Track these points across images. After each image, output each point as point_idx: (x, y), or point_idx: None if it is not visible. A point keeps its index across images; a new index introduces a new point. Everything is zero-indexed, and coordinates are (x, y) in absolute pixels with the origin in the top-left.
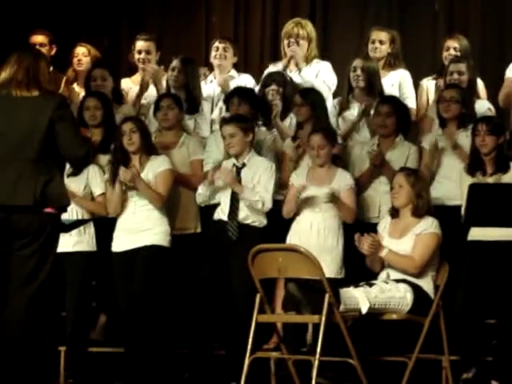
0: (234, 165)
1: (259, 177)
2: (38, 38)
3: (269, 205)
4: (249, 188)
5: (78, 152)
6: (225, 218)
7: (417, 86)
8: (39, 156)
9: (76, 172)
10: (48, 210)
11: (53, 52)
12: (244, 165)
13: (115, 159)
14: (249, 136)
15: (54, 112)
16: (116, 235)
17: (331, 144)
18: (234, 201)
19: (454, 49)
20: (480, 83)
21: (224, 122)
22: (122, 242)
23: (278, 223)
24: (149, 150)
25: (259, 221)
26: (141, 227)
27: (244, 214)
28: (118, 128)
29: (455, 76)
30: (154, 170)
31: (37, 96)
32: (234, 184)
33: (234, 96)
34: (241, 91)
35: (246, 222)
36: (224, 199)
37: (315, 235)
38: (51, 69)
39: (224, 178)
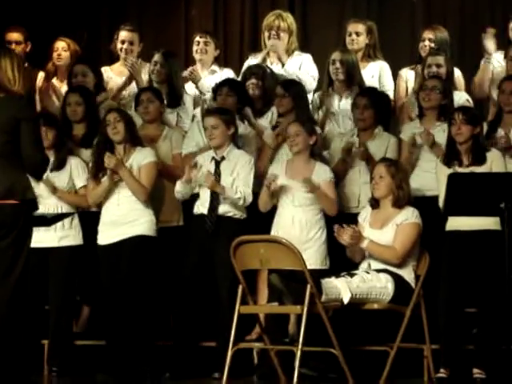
0: (213, 158)
1: (238, 170)
2: (14, 35)
3: (249, 199)
4: (229, 186)
5: (34, 158)
6: (205, 211)
7: (395, 76)
8: (3, 152)
9: (59, 166)
10: (12, 201)
11: (28, 49)
12: (223, 158)
13: (99, 151)
14: (230, 129)
15: (19, 112)
16: (101, 228)
17: (308, 133)
18: (215, 195)
19: (429, 40)
20: (458, 74)
21: (207, 113)
22: (107, 235)
23: (259, 216)
24: (134, 140)
25: (240, 213)
26: (126, 219)
27: (224, 207)
28: (103, 119)
29: (433, 69)
30: (139, 161)
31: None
32: (215, 187)
33: (224, 85)
34: (232, 83)
35: (227, 215)
36: (203, 193)
37: (298, 228)
38: (26, 65)
39: (204, 182)
